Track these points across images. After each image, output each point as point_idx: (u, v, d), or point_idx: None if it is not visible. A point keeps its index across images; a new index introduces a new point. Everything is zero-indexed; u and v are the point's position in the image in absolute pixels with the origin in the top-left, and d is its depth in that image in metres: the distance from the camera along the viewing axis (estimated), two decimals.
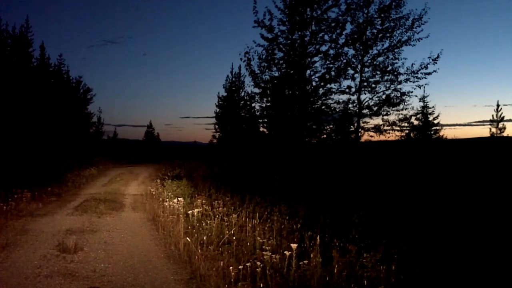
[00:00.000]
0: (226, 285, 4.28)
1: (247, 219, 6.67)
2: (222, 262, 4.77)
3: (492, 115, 25.79)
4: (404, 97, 15.42)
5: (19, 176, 12.41)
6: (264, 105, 16.76)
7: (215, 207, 7.81)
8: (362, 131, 16.11)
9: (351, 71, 15.60)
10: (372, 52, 15.51)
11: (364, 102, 15.88)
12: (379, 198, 9.14)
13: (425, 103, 22.97)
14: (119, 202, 10.82)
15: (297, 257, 4.45)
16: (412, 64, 15.17)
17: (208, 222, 6.60)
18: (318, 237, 4.98)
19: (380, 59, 15.41)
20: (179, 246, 6.06)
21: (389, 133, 16.21)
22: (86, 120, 29.76)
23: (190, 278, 4.89)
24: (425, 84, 16.53)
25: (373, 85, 15.68)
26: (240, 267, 4.47)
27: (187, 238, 5.86)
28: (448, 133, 70.43)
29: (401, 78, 15.29)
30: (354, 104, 15.88)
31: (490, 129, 25.79)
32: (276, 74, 15.73)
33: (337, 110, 16.01)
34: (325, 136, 16.66)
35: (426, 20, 14.85)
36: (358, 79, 15.72)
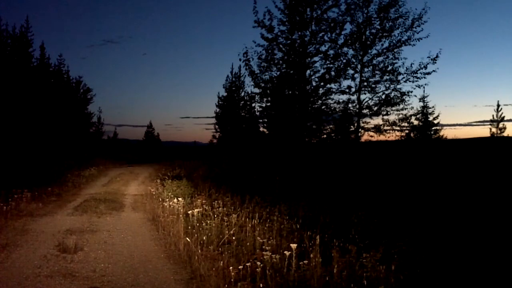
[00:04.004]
0: (226, 285, 4.28)
1: (247, 219, 6.67)
2: (222, 262, 4.77)
3: (492, 115, 25.90)
4: (404, 97, 15.44)
5: (19, 176, 12.41)
6: (264, 105, 16.76)
7: (215, 207, 7.81)
8: (362, 131, 16.12)
9: (351, 71, 15.62)
10: (371, 52, 15.54)
11: (364, 102, 15.89)
12: (378, 198, 9.14)
13: (425, 103, 23.01)
14: (119, 202, 10.82)
15: (297, 257, 4.45)
16: (411, 64, 15.21)
17: (208, 222, 6.60)
18: (317, 237, 4.98)
19: (380, 59, 15.44)
20: (179, 246, 6.06)
21: (389, 133, 16.23)
22: (86, 120, 29.79)
23: (190, 278, 4.89)
24: (425, 84, 16.56)
25: (373, 85, 15.70)
26: (240, 267, 4.48)
27: (187, 238, 5.87)
28: (448, 133, 70.43)
29: (401, 78, 15.31)
30: (354, 104, 15.89)
31: (490, 129, 25.86)
32: (276, 74, 15.73)
33: (337, 110, 16.03)
34: (325, 136, 16.66)
35: (426, 19, 14.88)
36: (358, 79, 15.74)
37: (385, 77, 15.48)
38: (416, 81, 15.21)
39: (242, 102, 25.73)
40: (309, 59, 15.41)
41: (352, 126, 16.44)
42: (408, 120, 16.25)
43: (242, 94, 25.87)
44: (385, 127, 16.06)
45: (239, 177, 12.75)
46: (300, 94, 15.48)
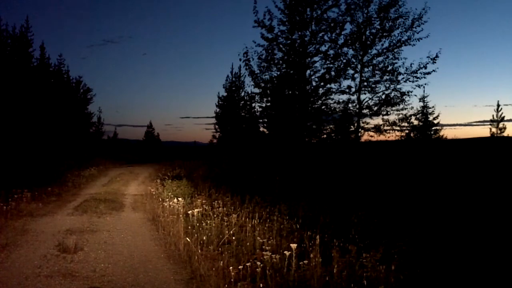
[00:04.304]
0: (226, 285, 4.28)
1: (247, 219, 6.68)
2: (222, 262, 4.77)
3: (492, 115, 25.85)
4: (404, 97, 15.43)
5: (19, 176, 12.41)
6: (264, 105, 16.74)
7: (215, 207, 7.81)
8: (362, 131, 16.11)
9: (351, 71, 15.61)
10: (371, 52, 15.52)
11: (364, 102, 15.88)
12: (378, 198, 9.14)
13: (425, 103, 22.97)
14: (119, 202, 10.82)
15: (297, 257, 4.45)
16: (411, 64, 15.20)
17: (208, 222, 6.60)
18: (317, 237, 4.98)
19: (380, 59, 15.43)
20: (179, 246, 6.06)
21: (389, 133, 16.22)
22: (86, 120, 29.76)
23: (190, 278, 4.89)
24: (425, 84, 16.46)
25: (373, 85, 15.69)
26: (240, 267, 4.48)
27: (187, 238, 5.87)
28: (448, 133, 70.35)
29: (401, 78, 15.31)
30: (354, 104, 15.88)
31: (490, 129, 25.82)
32: (276, 74, 15.72)
33: (337, 110, 16.01)
34: (325, 136, 16.65)
35: (426, 19, 14.88)
36: (358, 79, 15.73)
37: (385, 77, 15.48)
38: (416, 81, 15.22)
39: (242, 102, 25.70)
40: (309, 59, 15.40)
41: (352, 126, 16.42)
42: (408, 120, 16.24)
43: (242, 94, 25.86)
44: (385, 127, 16.06)
45: (239, 177, 12.76)
46: (300, 94, 15.48)
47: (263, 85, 15.80)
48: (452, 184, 12.22)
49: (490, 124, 25.79)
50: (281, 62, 15.51)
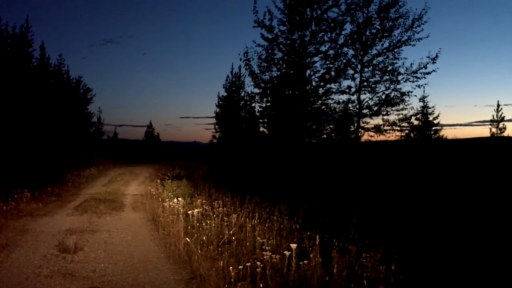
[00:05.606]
0: (226, 285, 4.28)
1: (247, 219, 6.68)
2: (222, 262, 4.77)
3: (493, 115, 25.80)
4: (404, 97, 15.43)
5: (19, 176, 12.41)
6: (264, 105, 16.74)
7: (215, 207, 7.81)
8: (362, 131, 16.12)
9: (351, 71, 15.61)
10: (372, 52, 15.53)
11: (364, 102, 15.89)
12: (378, 198, 9.14)
13: (425, 103, 22.96)
14: (119, 202, 10.83)
15: (297, 257, 4.46)
16: (411, 64, 15.21)
17: (208, 222, 6.60)
18: (317, 237, 4.98)
19: (380, 59, 15.43)
20: (179, 246, 6.06)
21: (389, 133, 16.22)
22: (86, 120, 29.73)
23: (190, 278, 4.90)
24: (425, 84, 16.43)
25: (373, 85, 15.69)
26: (240, 267, 4.48)
27: (187, 238, 5.87)
28: (448, 133, 70.25)
29: (401, 78, 15.31)
30: (354, 104, 15.89)
31: (491, 129, 25.78)
32: (276, 74, 15.73)
33: (337, 110, 16.01)
34: (325, 136, 16.66)
35: (426, 20, 14.88)
36: (358, 79, 15.74)
37: (385, 77, 15.49)
38: (416, 81, 15.22)
39: (242, 102, 25.70)
40: (309, 59, 15.40)
41: (352, 126, 16.43)
42: (408, 120, 16.25)
43: (242, 94, 25.85)
44: (385, 127, 16.07)
45: (239, 177, 12.75)
46: (300, 94, 15.48)
47: (263, 85, 15.81)
48: (452, 184, 12.22)
49: (490, 124, 25.77)
50: (281, 62, 15.52)
